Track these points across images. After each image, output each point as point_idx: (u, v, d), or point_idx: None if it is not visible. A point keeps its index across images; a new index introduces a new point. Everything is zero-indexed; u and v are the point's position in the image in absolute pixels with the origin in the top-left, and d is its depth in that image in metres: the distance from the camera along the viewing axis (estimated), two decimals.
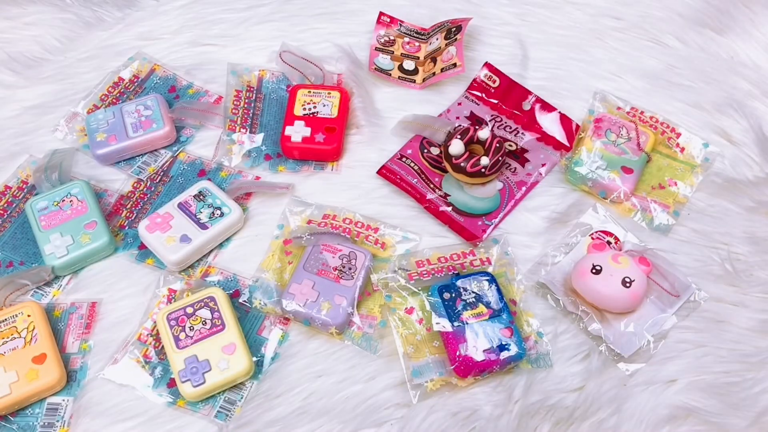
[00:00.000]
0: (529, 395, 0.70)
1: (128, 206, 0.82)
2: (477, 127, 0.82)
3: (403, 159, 0.85)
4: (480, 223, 0.81)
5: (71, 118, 0.89)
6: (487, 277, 0.74)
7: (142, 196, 0.83)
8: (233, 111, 0.88)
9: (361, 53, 0.94)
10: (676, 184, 0.83)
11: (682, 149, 0.86)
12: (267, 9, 1.00)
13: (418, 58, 0.94)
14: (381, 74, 0.93)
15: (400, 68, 0.93)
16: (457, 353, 0.69)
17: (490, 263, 0.77)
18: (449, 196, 0.82)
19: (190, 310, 0.72)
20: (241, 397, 0.70)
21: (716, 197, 0.84)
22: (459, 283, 0.73)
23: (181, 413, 0.69)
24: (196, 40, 0.97)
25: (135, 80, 0.92)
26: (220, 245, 0.79)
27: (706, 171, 0.85)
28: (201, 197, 0.80)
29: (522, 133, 0.88)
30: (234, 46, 0.96)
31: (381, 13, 0.97)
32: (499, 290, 0.73)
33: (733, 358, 0.73)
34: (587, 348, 0.73)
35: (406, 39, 0.95)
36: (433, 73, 0.91)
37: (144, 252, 0.78)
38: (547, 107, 0.89)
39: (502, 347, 0.69)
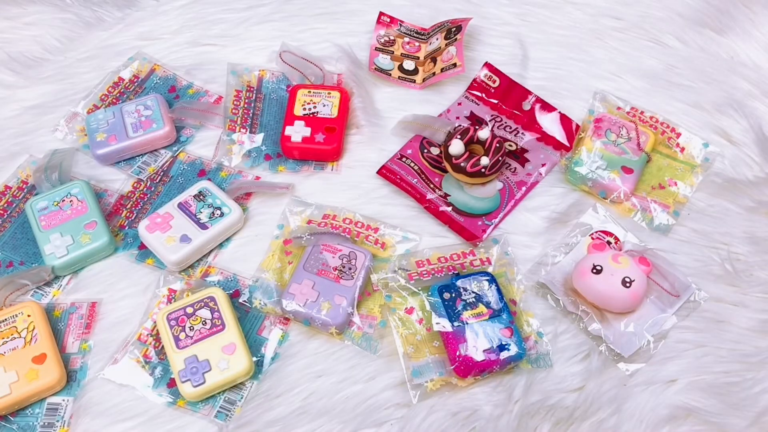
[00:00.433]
0: (529, 395, 0.70)
1: (128, 206, 0.82)
2: (477, 127, 0.82)
3: (403, 159, 0.85)
4: (480, 223, 0.81)
5: (71, 118, 0.89)
6: (487, 277, 0.74)
7: (142, 196, 0.83)
8: (233, 111, 0.88)
9: (361, 53, 0.94)
10: (676, 184, 0.83)
11: (682, 149, 0.86)
12: (267, 9, 1.00)
13: (418, 58, 0.94)
14: (381, 74, 0.93)
15: (400, 68, 0.93)
16: (457, 353, 0.69)
17: (490, 263, 0.77)
18: (449, 196, 0.82)
19: (190, 310, 0.72)
20: (241, 397, 0.70)
21: (716, 197, 0.84)
22: (459, 283, 0.73)
23: (181, 413, 0.69)
24: (196, 40, 0.96)
25: (135, 80, 0.92)
26: (220, 245, 0.79)
27: (706, 171, 0.85)
28: (201, 197, 0.80)
29: (522, 133, 0.88)
30: (234, 46, 0.96)
31: (381, 13, 0.97)
32: (499, 290, 0.73)
33: (733, 358, 0.73)
34: (587, 348, 0.73)
35: (406, 39, 0.95)
36: (433, 73, 0.91)
37: (144, 252, 0.78)
38: (547, 107, 0.89)
39: (502, 347, 0.69)
